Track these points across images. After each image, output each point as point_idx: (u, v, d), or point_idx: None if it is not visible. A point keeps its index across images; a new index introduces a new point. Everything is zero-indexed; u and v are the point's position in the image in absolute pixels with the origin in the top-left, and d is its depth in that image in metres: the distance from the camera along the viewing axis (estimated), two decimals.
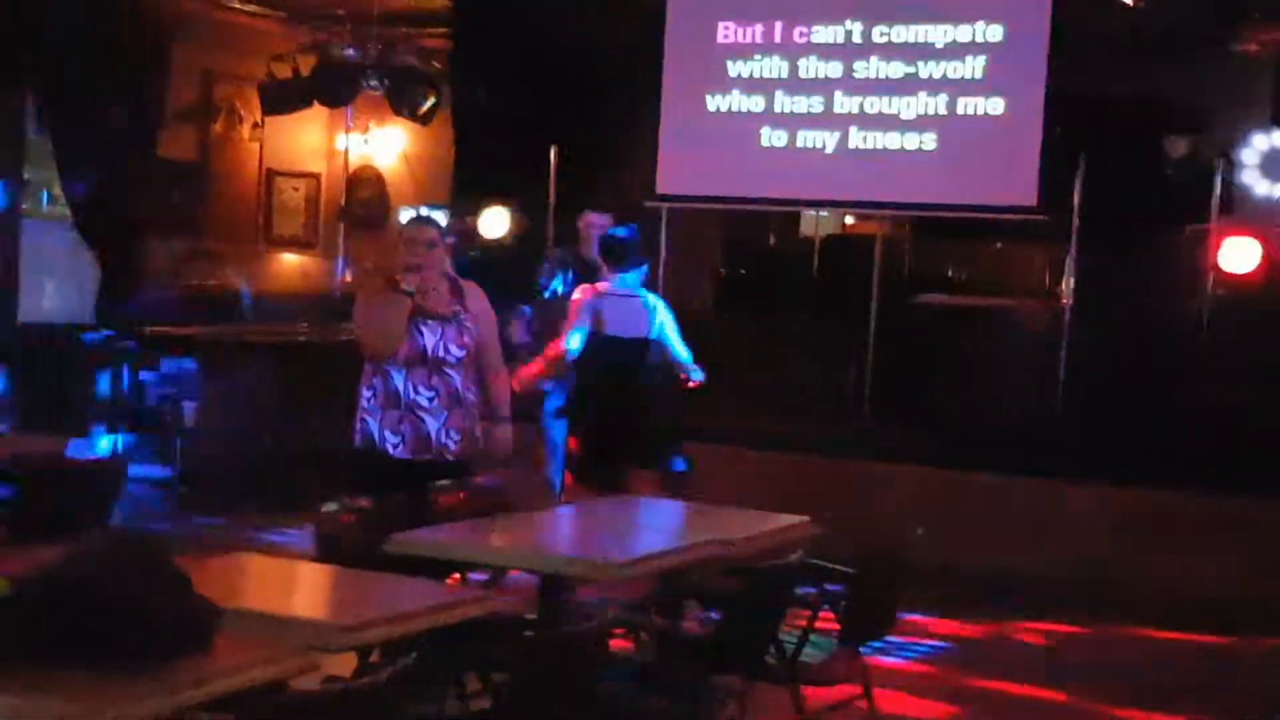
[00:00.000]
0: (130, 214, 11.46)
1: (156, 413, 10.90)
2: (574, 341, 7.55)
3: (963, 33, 9.53)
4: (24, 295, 11.34)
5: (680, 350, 7.80)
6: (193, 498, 10.28)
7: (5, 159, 11.04)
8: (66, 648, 3.13)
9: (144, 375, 11.02)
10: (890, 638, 6.25)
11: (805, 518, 5.93)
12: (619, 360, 7.69)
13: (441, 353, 6.25)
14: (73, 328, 11.46)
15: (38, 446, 7.43)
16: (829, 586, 5.46)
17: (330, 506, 6.30)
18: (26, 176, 11.47)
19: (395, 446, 6.32)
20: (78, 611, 3.16)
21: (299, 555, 5.84)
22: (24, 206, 11.35)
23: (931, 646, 7.34)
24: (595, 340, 7.57)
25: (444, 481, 6.16)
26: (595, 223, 8.73)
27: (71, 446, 8.74)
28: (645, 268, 7.90)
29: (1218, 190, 9.38)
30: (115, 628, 3.16)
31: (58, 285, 11.97)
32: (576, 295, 7.73)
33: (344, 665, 4.07)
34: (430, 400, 6.27)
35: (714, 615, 5.63)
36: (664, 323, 7.76)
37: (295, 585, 4.72)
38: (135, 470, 9.54)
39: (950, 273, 10.53)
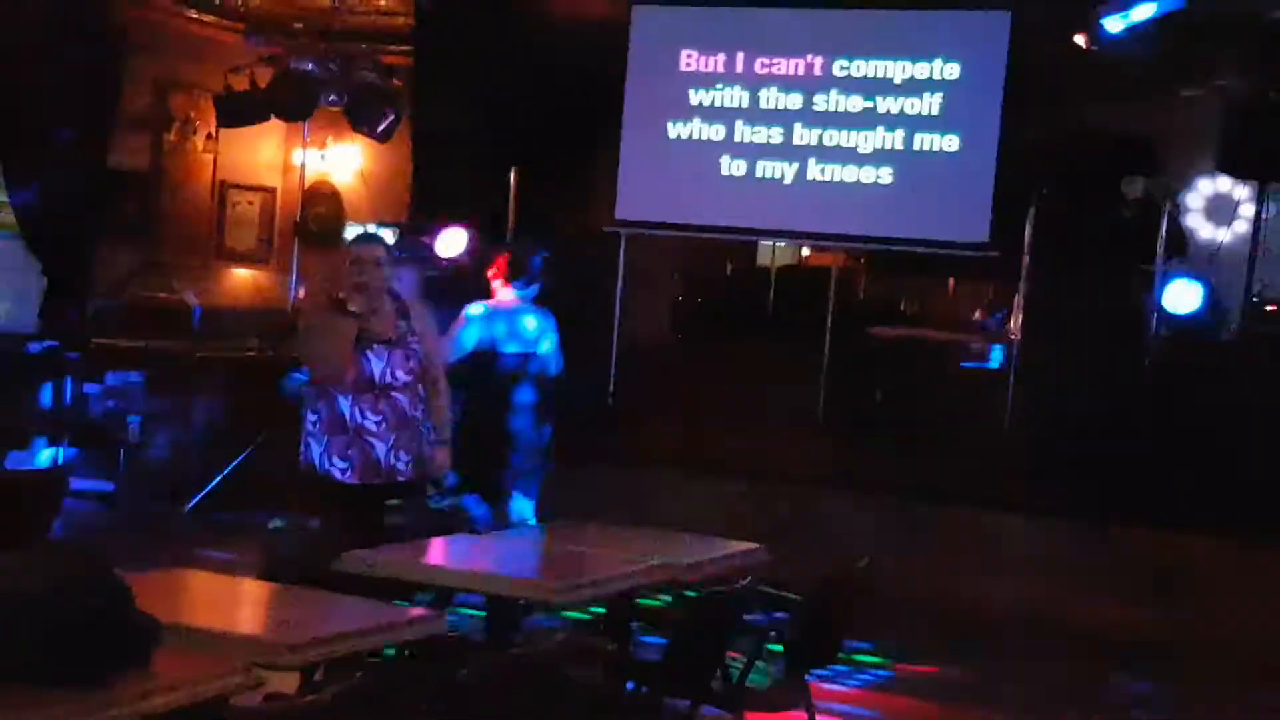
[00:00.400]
0: (78, 223, 11.25)
1: (101, 426, 10.65)
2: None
3: (921, 69, 9.62)
4: None
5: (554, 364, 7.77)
6: (136, 513, 10.07)
7: None
8: (6, 661, 3.10)
9: (89, 388, 10.78)
10: (835, 666, 6.21)
11: (756, 545, 5.99)
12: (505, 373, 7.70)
13: (389, 378, 6.20)
14: (16, 337, 11.19)
15: None
16: (776, 614, 5.58)
17: (276, 524, 6.31)
18: None
19: (344, 472, 6.25)
20: (17, 625, 3.17)
21: (245, 572, 5.80)
22: None
23: (875, 675, 7.37)
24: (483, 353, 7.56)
25: (394, 502, 6.17)
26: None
27: (11, 458, 8.66)
28: (536, 287, 7.84)
29: (1164, 232, 9.47)
30: (55, 642, 3.20)
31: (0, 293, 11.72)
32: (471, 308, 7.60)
33: (288, 684, 4.11)
34: (378, 424, 6.21)
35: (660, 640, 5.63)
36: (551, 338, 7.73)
37: (240, 602, 4.77)
38: (78, 484, 9.46)
39: (903, 306, 10.58)
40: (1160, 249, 9.85)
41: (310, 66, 11.87)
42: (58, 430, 10.61)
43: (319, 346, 6.33)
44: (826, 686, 6.29)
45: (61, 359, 10.85)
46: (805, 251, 10.81)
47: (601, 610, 6.15)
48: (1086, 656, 8.03)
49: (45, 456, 10.10)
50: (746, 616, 5.43)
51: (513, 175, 10.57)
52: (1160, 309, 9.65)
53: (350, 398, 6.21)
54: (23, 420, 10.82)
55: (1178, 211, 10.35)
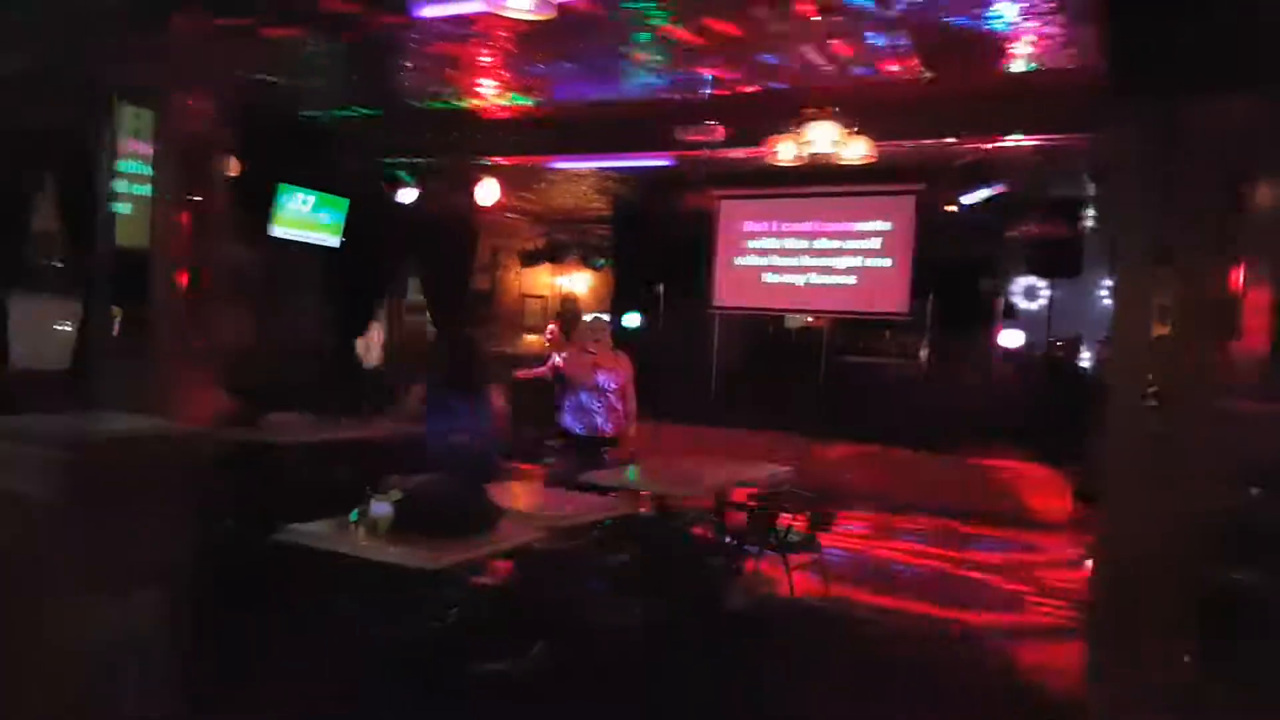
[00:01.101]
0: (461, 315, 11.68)
1: None
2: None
3: (868, 226, 9.54)
4: None
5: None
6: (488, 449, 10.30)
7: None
8: (426, 526, 3.20)
9: None
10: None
11: (789, 467, 5.98)
12: None
13: (606, 385, 6.26)
14: None
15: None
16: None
17: (549, 459, 6.49)
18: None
19: (579, 429, 6.31)
20: (432, 509, 3.31)
21: (537, 482, 6.02)
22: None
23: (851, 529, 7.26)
24: None
25: (605, 447, 6.36)
26: None
27: None
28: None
29: (1001, 305, 9.42)
30: (448, 516, 3.33)
31: None
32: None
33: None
34: (598, 407, 6.24)
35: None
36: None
37: (538, 498, 4.63)
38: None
39: (861, 345, 10.56)
40: (999, 314, 9.83)
41: (564, 236, 12.22)
42: None
43: (575, 370, 6.40)
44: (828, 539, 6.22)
45: None
46: (809, 319, 10.78)
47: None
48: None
49: None
50: (785, 504, 5.42)
51: (661, 287, 10.78)
52: (999, 345, 9.61)
53: (586, 393, 6.27)
54: None
55: (1008, 294, 10.27)
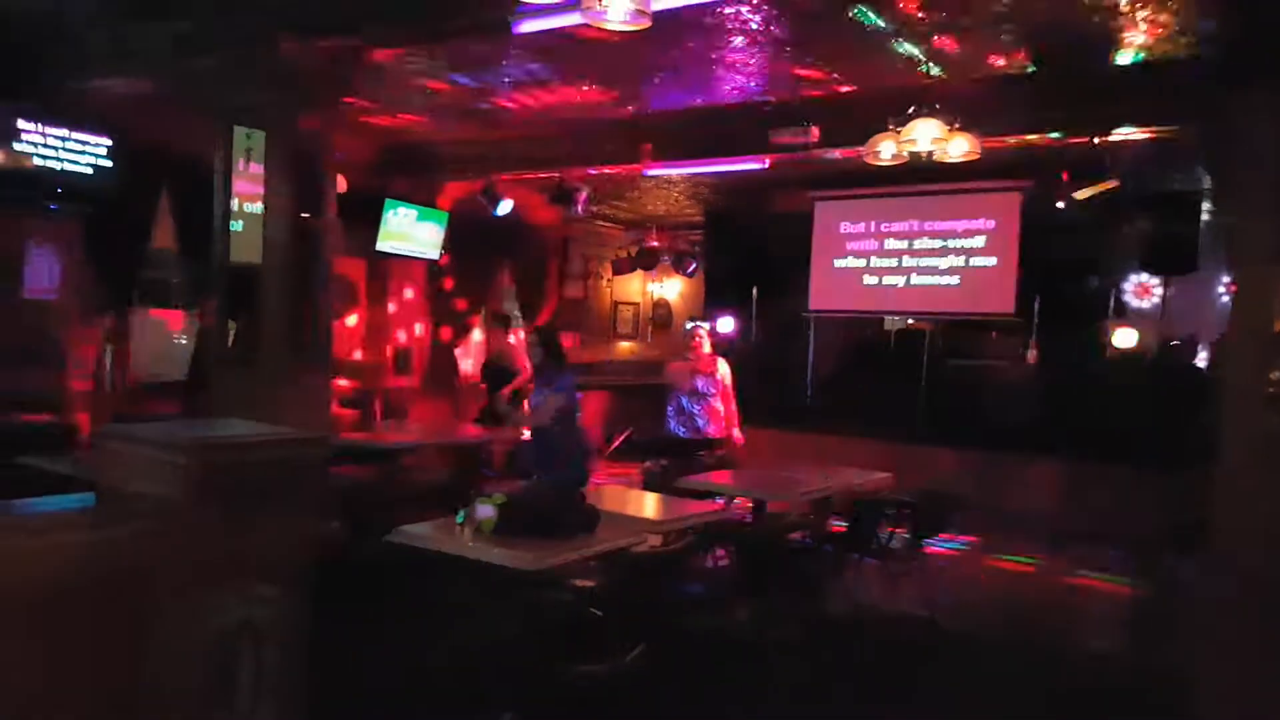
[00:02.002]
0: (558, 326, 11.89)
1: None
2: None
3: (972, 225, 9.33)
4: None
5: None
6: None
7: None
8: (529, 530, 3.32)
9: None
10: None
11: (888, 474, 5.91)
12: None
13: (706, 390, 6.43)
14: None
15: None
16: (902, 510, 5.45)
17: (648, 463, 6.58)
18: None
19: (682, 432, 6.51)
20: (533, 512, 3.40)
21: (634, 486, 6.03)
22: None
23: (959, 544, 7.24)
24: None
25: (703, 452, 6.41)
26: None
27: None
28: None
29: (1112, 303, 9.08)
30: (549, 519, 3.41)
31: None
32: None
33: (656, 541, 4.10)
34: (698, 411, 6.42)
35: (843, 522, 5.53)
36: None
37: (634, 501, 4.74)
38: None
39: (965, 347, 10.29)
40: (1111, 312, 9.48)
41: (655, 243, 12.32)
42: None
43: (675, 376, 6.55)
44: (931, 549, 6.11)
45: None
46: (910, 321, 10.58)
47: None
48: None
49: None
50: (886, 510, 5.37)
51: (754, 291, 10.66)
52: (1110, 345, 9.26)
53: (687, 398, 6.46)
54: None
55: (1119, 292, 9.89)
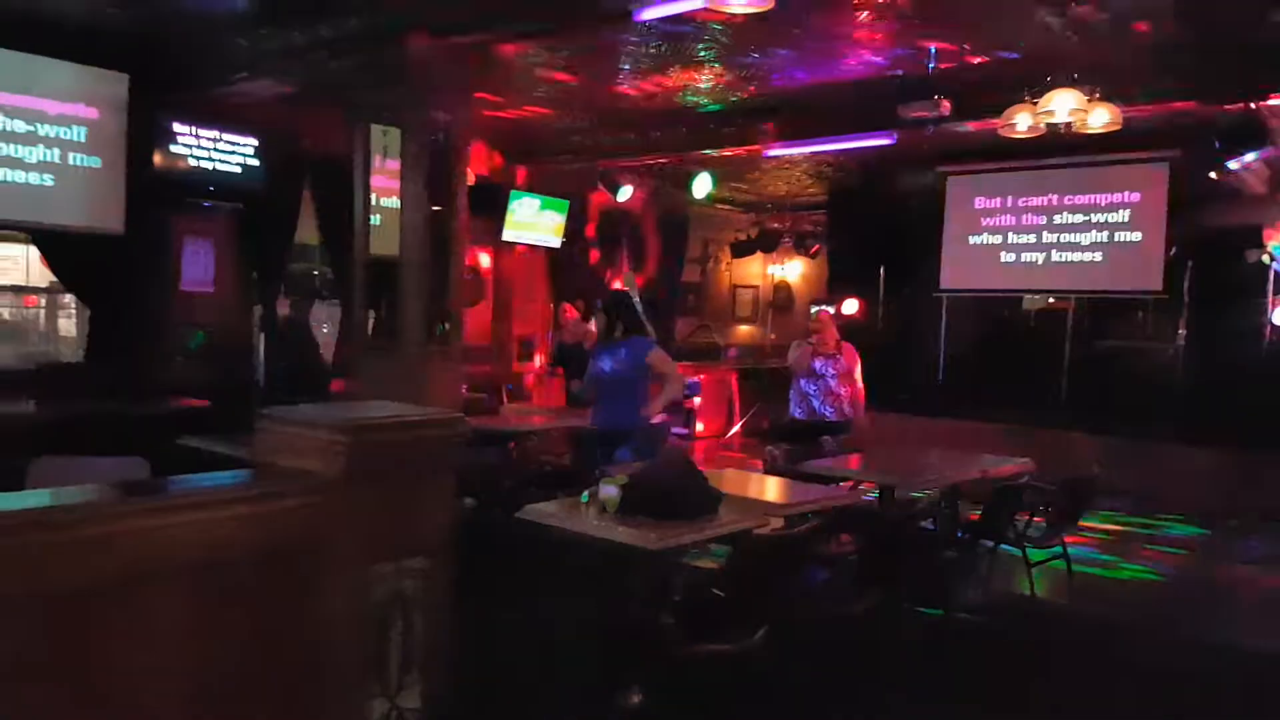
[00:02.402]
0: (674, 308, 11.95)
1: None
2: None
3: (1115, 198, 9.03)
4: None
5: None
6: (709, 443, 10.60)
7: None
8: (652, 510, 3.35)
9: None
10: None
11: (1027, 459, 5.69)
12: None
13: (824, 372, 6.36)
14: None
15: None
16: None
17: (771, 448, 6.59)
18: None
19: (800, 415, 6.46)
20: (656, 493, 3.47)
21: (757, 471, 5.99)
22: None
23: (1101, 533, 6.89)
24: None
25: (825, 436, 6.37)
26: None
27: None
28: None
29: (1270, 279, 8.52)
30: (671, 500, 3.48)
31: None
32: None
33: (778, 524, 3.94)
34: (815, 393, 6.38)
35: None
36: None
37: (757, 485, 4.71)
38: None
39: (1110, 326, 9.85)
40: (1270, 289, 8.89)
41: (775, 225, 12.26)
42: None
43: (796, 357, 6.48)
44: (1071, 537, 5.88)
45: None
46: (1050, 300, 10.21)
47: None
48: None
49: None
50: (1023, 497, 5.19)
51: (881, 270, 10.54)
52: (1270, 322, 8.70)
53: (805, 380, 6.43)
54: None
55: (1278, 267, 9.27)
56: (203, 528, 1.86)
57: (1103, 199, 9.10)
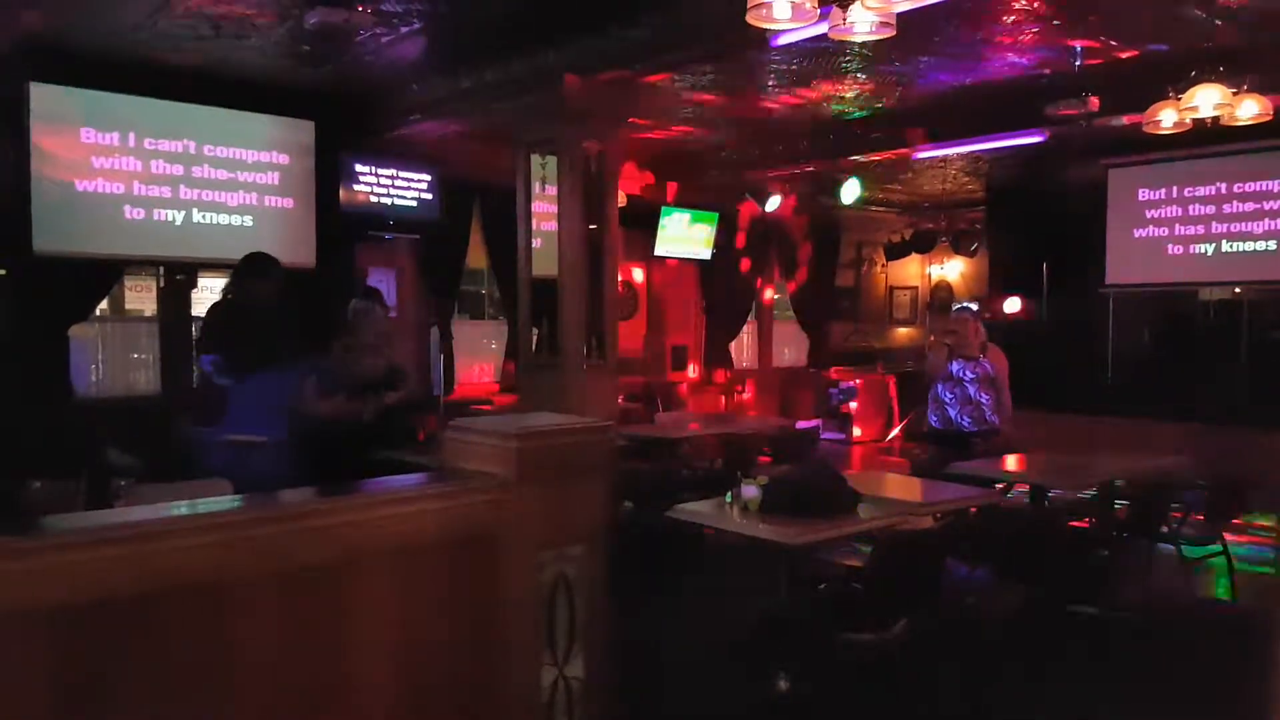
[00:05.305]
0: (827, 313, 12.02)
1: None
2: None
3: None
4: None
5: None
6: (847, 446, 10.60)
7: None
8: (791, 509, 3.54)
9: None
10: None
11: (1180, 456, 5.54)
12: None
13: (960, 374, 6.00)
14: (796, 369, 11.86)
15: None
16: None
17: (916, 450, 6.55)
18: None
19: (935, 423, 6.15)
20: (796, 492, 3.63)
21: (901, 471, 6.20)
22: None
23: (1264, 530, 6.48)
24: None
25: (967, 445, 6.05)
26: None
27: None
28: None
29: None
30: (808, 498, 3.66)
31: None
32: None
33: (924, 522, 4.11)
34: (951, 400, 6.02)
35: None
36: None
37: (899, 485, 4.70)
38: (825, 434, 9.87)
39: None
40: None
41: (931, 225, 12.13)
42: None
43: (933, 360, 6.18)
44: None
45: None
46: (1235, 290, 9.63)
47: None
48: None
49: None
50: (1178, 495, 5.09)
51: (1044, 267, 10.16)
52: None
53: (942, 385, 6.05)
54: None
55: None
56: (401, 520, 2.27)
57: (1275, 185, 8.58)
